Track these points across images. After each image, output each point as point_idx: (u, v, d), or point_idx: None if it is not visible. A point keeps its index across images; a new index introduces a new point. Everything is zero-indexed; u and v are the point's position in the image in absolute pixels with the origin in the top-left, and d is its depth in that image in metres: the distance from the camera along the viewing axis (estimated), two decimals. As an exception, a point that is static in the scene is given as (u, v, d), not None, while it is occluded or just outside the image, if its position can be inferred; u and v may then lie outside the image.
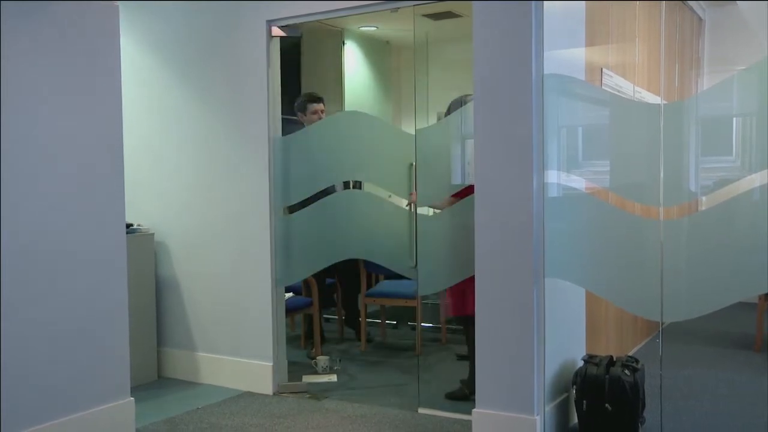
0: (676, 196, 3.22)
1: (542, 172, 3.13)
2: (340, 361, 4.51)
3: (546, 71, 3.12)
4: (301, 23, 4.05)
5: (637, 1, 4.64)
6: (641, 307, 3.29)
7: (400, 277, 4.44)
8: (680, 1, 5.43)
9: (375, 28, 5.88)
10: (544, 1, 3.09)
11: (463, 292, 3.69)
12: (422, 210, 3.92)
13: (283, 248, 4.06)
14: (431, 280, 3.77)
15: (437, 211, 3.89)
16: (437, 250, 3.74)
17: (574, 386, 3.32)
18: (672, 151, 3.06)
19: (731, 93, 3.10)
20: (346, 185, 4.53)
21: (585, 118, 3.40)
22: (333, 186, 4.33)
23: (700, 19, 6.17)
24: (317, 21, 4.07)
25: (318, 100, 4.66)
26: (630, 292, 3.23)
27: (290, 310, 4.54)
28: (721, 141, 3.18)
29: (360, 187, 4.74)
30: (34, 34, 2.99)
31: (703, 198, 3.35)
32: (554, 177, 3.22)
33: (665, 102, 3.49)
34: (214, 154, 4.19)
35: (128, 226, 3.94)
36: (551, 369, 3.27)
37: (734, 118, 3.20)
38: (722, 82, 3.07)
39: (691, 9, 5.84)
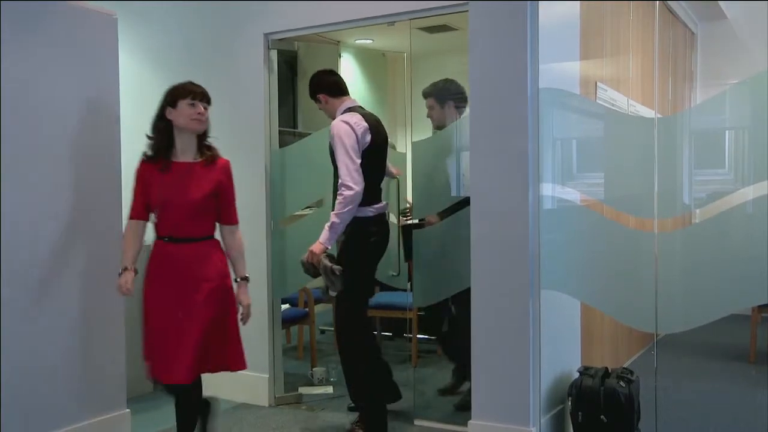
0: (671, 209, 3.25)
1: (538, 184, 3.16)
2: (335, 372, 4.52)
3: (541, 84, 3.15)
4: (298, 36, 4.08)
5: (631, 17, 4.69)
6: (636, 318, 3.32)
7: (395, 288, 4.47)
8: (673, 16, 5.48)
9: (371, 41, 5.92)
10: (539, 13, 3.12)
11: (167, 354, 2.87)
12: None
13: (279, 260, 4.07)
14: (426, 292, 3.78)
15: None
16: (432, 262, 3.75)
17: (570, 398, 3.33)
18: (666, 164, 3.10)
19: (724, 107, 3.14)
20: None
21: (580, 131, 3.43)
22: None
23: (692, 33, 6.24)
24: (314, 34, 4.11)
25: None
26: (625, 303, 3.25)
27: (286, 321, 4.54)
28: (714, 154, 3.22)
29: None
30: (33, 45, 3.01)
31: (697, 211, 3.38)
32: (550, 189, 3.25)
33: (659, 116, 3.52)
34: (211, 165, 4.19)
35: (125, 237, 3.94)
36: (547, 381, 3.29)
37: (727, 132, 3.24)
38: (715, 96, 3.11)
39: (684, 24, 5.90)
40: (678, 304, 3.11)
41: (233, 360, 3.03)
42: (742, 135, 3.17)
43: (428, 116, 3.99)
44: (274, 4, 3.94)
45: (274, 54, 4.04)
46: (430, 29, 5.07)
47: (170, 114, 2.88)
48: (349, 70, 6.02)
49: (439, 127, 3.95)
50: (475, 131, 3.25)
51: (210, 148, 2.98)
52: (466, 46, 3.28)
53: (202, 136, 2.97)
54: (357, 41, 5.89)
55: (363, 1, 3.70)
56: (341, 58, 5.91)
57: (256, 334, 4.07)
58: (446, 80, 3.99)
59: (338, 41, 5.79)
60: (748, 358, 4.95)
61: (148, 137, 2.93)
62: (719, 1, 5.75)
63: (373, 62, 6.20)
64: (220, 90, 4.13)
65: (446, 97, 3.90)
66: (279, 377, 4.10)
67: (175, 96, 2.88)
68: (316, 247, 3.39)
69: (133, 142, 4.31)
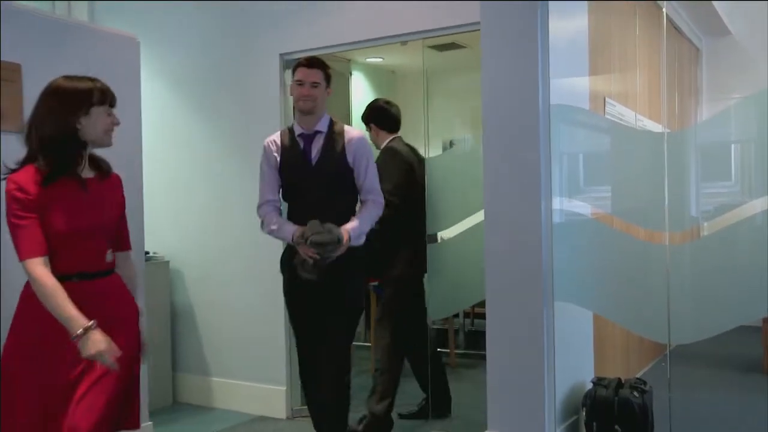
0: (680, 222, 3.27)
1: (550, 198, 3.17)
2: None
3: (552, 101, 3.17)
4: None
5: (637, 33, 4.74)
6: (649, 329, 3.33)
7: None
8: (678, 32, 5.53)
9: (381, 59, 5.99)
10: (549, 30, 3.15)
11: None
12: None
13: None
14: (441, 304, 3.81)
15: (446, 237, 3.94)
16: (447, 276, 3.78)
17: (584, 408, 3.35)
18: (676, 178, 3.13)
19: (731, 121, 3.18)
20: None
21: (592, 146, 3.47)
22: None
23: (697, 49, 6.30)
24: (327, 54, 4.16)
25: None
26: (638, 314, 3.27)
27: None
28: (722, 168, 3.25)
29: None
30: (56, 67, 3.05)
31: (705, 224, 3.40)
32: (562, 203, 3.28)
33: (668, 130, 3.56)
34: (229, 183, 4.25)
35: (145, 253, 3.98)
36: (561, 391, 3.30)
37: (733, 146, 3.27)
38: (722, 111, 3.16)
39: (689, 40, 5.96)
40: (689, 314, 3.13)
41: (131, 419, 2.37)
42: (748, 149, 3.20)
43: None
44: (290, 25, 4.01)
45: (288, 73, 4.10)
46: (440, 47, 5.14)
47: (80, 122, 2.23)
48: (359, 87, 6.09)
49: (377, 148, 3.93)
50: (488, 147, 3.26)
51: (98, 158, 2.37)
52: (474, 63, 3.32)
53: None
54: (368, 59, 5.96)
55: (376, 20, 3.77)
56: (352, 76, 5.99)
57: (272, 347, 4.11)
58: (368, 106, 3.99)
59: (349, 59, 5.86)
60: (761, 369, 4.94)
61: (46, 151, 2.20)
62: (723, 17, 5.80)
63: (383, 80, 6.28)
64: (237, 108, 4.22)
65: (368, 121, 3.93)
66: (296, 389, 4.11)
67: (89, 100, 2.25)
68: (347, 237, 2.93)
69: (154, 162, 4.40)
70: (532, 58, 3.14)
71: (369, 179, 3.12)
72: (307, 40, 3.99)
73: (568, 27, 3.60)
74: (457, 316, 5.51)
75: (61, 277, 2.16)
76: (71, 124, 2.20)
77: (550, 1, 3.11)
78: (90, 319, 2.10)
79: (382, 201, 3.17)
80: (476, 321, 5.82)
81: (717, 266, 3.09)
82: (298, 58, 3.20)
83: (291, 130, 3.16)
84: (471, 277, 3.65)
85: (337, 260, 2.91)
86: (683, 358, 4.96)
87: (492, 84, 3.25)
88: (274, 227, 3.09)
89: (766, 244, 2.92)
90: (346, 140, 3.10)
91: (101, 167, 2.35)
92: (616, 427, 3.26)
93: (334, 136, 3.11)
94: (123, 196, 2.45)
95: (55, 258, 2.18)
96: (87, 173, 2.30)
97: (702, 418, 3.94)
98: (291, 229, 3.00)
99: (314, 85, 3.06)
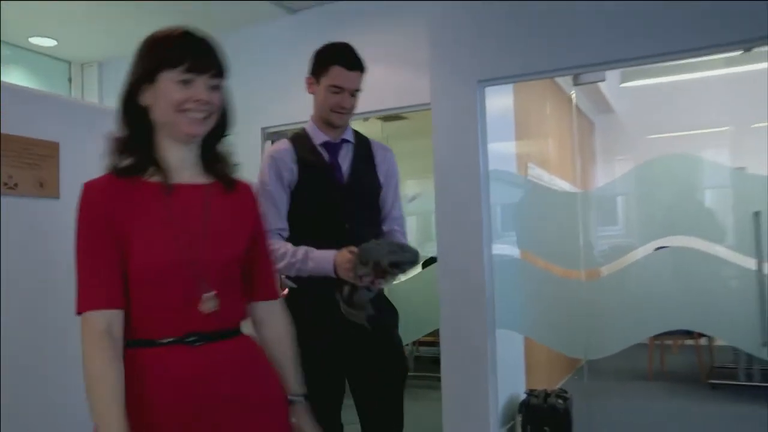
0: (590, 262, 3.77)
1: (490, 244, 3.44)
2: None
3: (490, 167, 3.46)
4: (288, 129, 4.50)
5: (548, 111, 5.33)
6: (569, 347, 3.75)
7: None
8: (578, 109, 6.22)
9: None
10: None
11: None
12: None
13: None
14: (402, 334, 4.12)
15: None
16: (404, 310, 4.09)
17: (520, 414, 3.73)
18: (586, 227, 3.60)
19: (625, 184, 3.68)
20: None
21: (522, 202, 3.85)
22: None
23: (592, 123, 7.07)
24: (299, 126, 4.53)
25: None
26: (559, 336, 3.66)
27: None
28: (619, 221, 3.78)
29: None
30: (88, 144, 3.26)
31: (605, 266, 3.83)
32: (500, 249, 3.60)
33: (580, 190, 4.05)
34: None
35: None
36: (501, 400, 3.60)
37: (623, 202, 3.81)
38: (620, 176, 3.67)
39: (586, 116, 6.70)
40: (599, 336, 3.53)
41: None
42: (632, 205, 3.75)
43: None
44: (270, 103, 4.38)
45: (268, 144, 4.44)
46: (385, 119, 5.60)
47: (144, 95, 1.39)
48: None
49: None
50: (440, 204, 3.48)
51: (221, 157, 1.52)
52: (412, 131, 3.55)
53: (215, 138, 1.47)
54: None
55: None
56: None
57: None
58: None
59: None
60: (647, 377, 5.54)
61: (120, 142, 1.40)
62: (609, 100, 6.65)
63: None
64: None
65: None
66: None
67: (158, 60, 1.35)
68: None
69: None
70: (473, 131, 3.39)
71: (397, 204, 2.34)
72: (283, 117, 4.33)
73: (499, 105, 3.97)
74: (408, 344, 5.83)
75: (132, 342, 1.33)
76: (133, 96, 1.37)
77: (486, 87, 3.45)
78: (185, 411, 1.28)
79: (405, 233, 2.36)
80: (421, 348, 6.12)
81: (617, 298, 3.54)
82: (324, 50, 2.23)
83: (304, 137, 2.23)
84: (425, 310, 4.01)
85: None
86: (592, 371, 5.48)
87: (441, 153, 3.47)
88: (297, 258, 2.03)
89: (651, 282, 3.45)
90: (375, 152, 2.31)
91: (222, 171, 1.46)
92: (546, 428, 3.65)
93: (363, 146, 2.29)
94: (256, 217, 1.52)
95: (142, 309, 1.33)
96: (195, 178, 1.44)
97: (606, 418, 4.34)
98: (330, 257, 1.98)
99: (354, 93, 2.20)
